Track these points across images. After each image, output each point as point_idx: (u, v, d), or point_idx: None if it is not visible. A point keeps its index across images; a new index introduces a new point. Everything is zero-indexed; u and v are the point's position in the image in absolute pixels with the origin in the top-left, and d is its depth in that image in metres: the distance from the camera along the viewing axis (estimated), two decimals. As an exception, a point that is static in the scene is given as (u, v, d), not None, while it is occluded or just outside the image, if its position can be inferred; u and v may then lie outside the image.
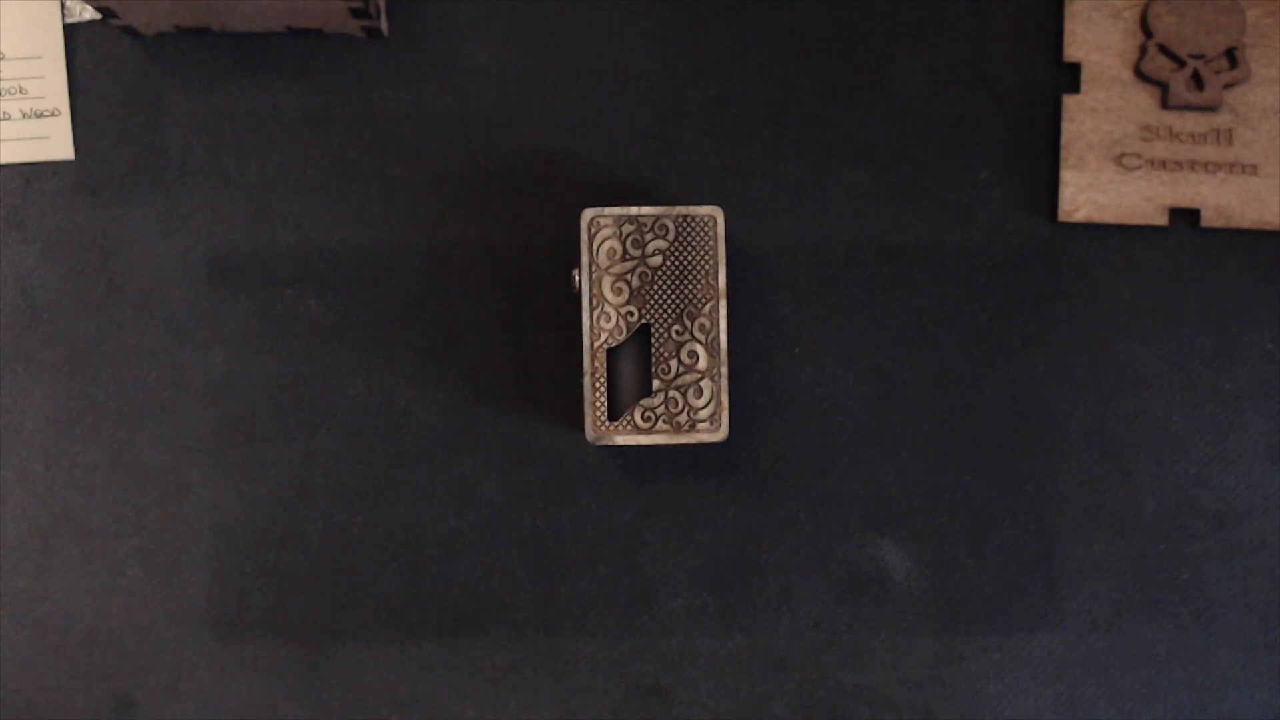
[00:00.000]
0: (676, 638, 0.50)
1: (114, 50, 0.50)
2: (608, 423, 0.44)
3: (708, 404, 0.44)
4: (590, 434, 0.44)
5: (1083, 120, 0.50)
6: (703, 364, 0.44)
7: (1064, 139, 0.50)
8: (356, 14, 0.47)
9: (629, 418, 0.44)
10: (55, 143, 0.50)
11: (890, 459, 0.50)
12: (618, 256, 0.44)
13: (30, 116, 0.50)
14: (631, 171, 0.50)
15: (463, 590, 0.50)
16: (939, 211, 0.50)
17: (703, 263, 0.44)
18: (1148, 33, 0.50)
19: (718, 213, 0.45)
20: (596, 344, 0.44)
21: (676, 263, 0.44)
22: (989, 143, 0.50)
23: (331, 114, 0.50)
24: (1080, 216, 0.50)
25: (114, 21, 0.48)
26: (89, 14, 0.50)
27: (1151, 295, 0.50)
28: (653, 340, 0.44)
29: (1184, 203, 0.49)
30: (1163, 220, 0.50)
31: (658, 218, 0.44)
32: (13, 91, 0.50)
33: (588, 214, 0.44)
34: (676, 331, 0.44)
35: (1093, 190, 0.50)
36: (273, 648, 0.50)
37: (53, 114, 0.50)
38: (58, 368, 0.50)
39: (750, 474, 0.50)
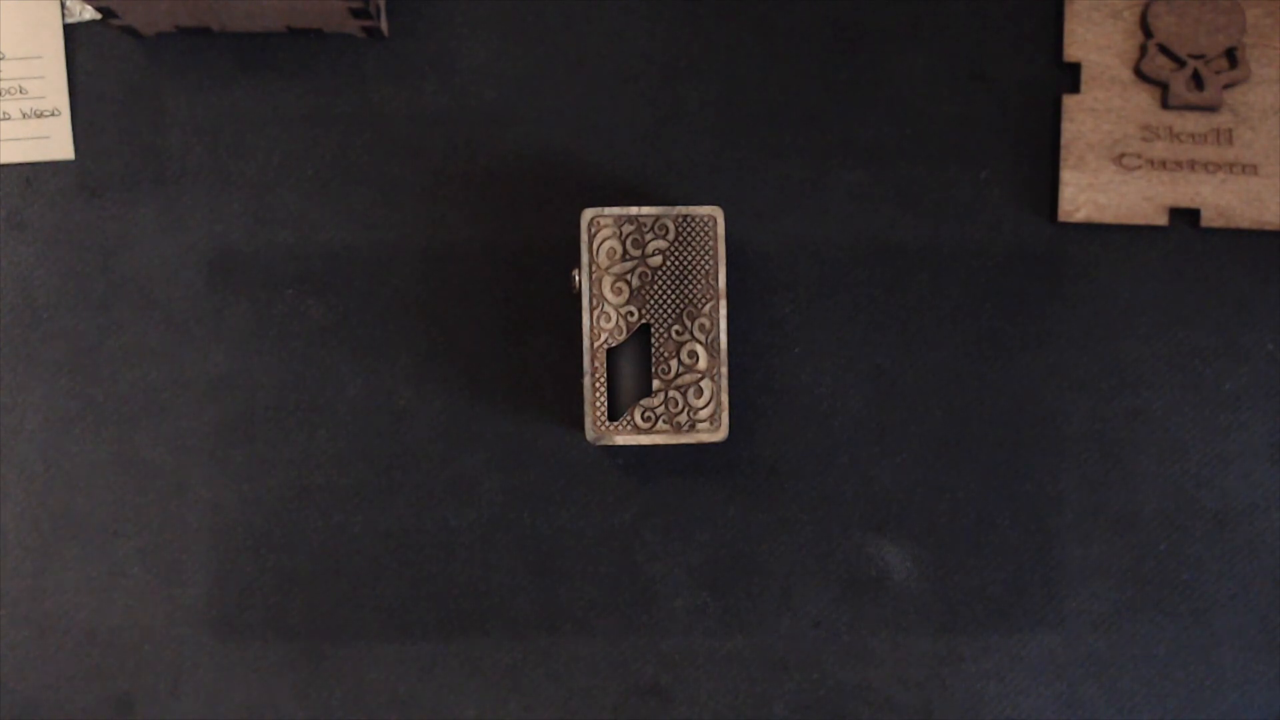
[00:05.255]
0: (676, 638, 0.50)
1: (114, 50, 0.50)
2: (608, 423, 0.44)
3: (708, 404, 0.44)
4: (590, 434, 0.44)
5: (1083, 120, 0.50)
6: (703, 364, 0.44)
7: (1064, 139, 0.50)
8: (356, 14, 0.47)
9: (629, 418, 0.44)
10: (55, 143, 0.50)
11: (890, 459, 0.50)
12: (618, 256, 0.44)
13: (30, 116, 0.50)
14: (631, 171, 0.50)
15: (463, 590, 0.50)
16: (939, 211, 0.50)
17: (703, 263, 0.44)
18: (1148, 33, 0.50)
19: (718, 213, 0.45)
20: (596, 344, 0.44)
21: (676, 263, 0.44)
22: (989, 143, 0.50)
23: (331, 114, 0.50)
24: (1080, 216, 0.50)
25: (114, 21, 0.48)
26: (89, 14, 0.50)
27: (1151, 295, 0.50)
28: (653, 340, 0.44)
29: (1184, 203, 0.49)
30: (1163, 220, 0.50)
31: (658, 218, 0.44)
32: (13, 91, 0.50)
33: (588, 214, 0.44)
34: (676, 331, 0.44)
35: (1093, 190, 0.50)
36: (273, 648, 0.50)
37: (53, 114, 0.50)
38: (58, 367, 0.50)
39: (750, 474, 0.50)
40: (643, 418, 0.44)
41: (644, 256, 0.44)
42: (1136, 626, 0.50)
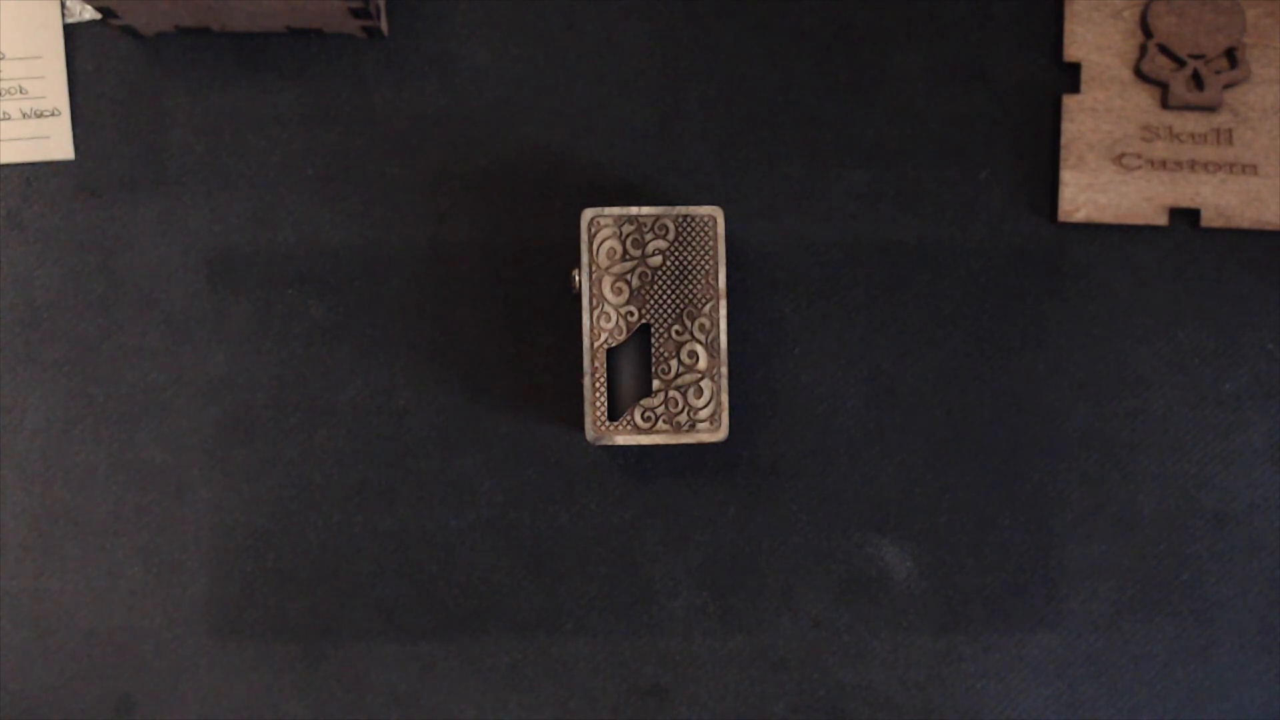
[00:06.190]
0: (676, 638, 0.50)
1: (114, 50, 0.50)
2: (608, 423, 0.44)
3: (708, 404, 0.44)
4: (590, 434, 0.44)
5: (1083, 120, 0.50)
6: (703, 364, 0.44)
7: (1064, 139, 0.50)
8: (356, 14, 0.47)
9: (629, 418, 0.44)
10: (55, 143, 0.50)
11: (890, 459, 0.50)
12: (618, 256, 0.44)
13: (30, 116, 0.50)
14: (631, 171, 0.50)
15: (463, 590, 0.50)
16: (939, 211, 0.50)
17: (703, 263, 0.44)
18: (1148, 33, 0.50)
19: (718, 213, 0.45)
20: (596, 344, 0.44)
21: (676, 263, 0.44)
22: (989, 143, 0.50)
23: (331, 114, 0.50)
24: (1080, 216, 0.50)
25: (114, 21, 0.48)
26: (89, 14, 0.50)
27: (1151, 295, 0.50)
28: (653, 340, 0.44)
29: (1184, 203, 0.49)
30: (1163, 220, 0.50)
31: (658, 218, 0.44)
32: (13, 91, 0.50)
33: (588, 214, 0.44)
34: (676, 331, 0.44)
35: (1093, 190, 0.50)
36: (273, 648, 0.50)
37: (53, 114, 0.50)
38: (58, 368, 0.50)
39: (750, 474, 0.50)
40: (643, 418, 0.44)
41: (644, 256, 0.44)
42: (1136, 626, 0.50)
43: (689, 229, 0.44)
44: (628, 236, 0.44)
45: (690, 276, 0.44)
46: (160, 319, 0.50)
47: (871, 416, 0.50)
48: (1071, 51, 0.50)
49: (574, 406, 0.49)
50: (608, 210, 0.44)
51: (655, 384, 0.44)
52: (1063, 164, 0.50)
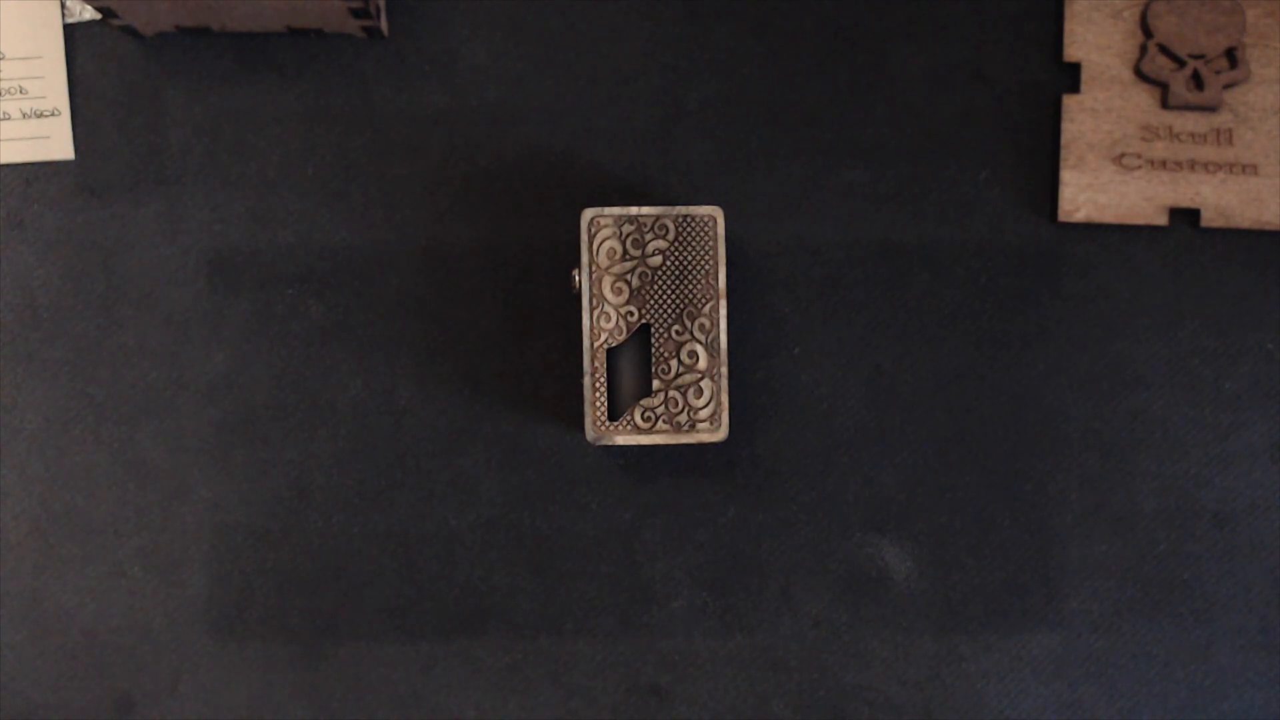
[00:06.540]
0: (676, 638, 0.50)
1: (114, 50, 0.50)
2: (608, 423, 0.44)
3: (708, 404, 0.44)
4: (590, 434, 0.44)
5: (1083, 120, 0.50)
6: (703, 364, 0.44)
7: (1064, 139, 0.50)
8: (356, 14, 0.47)
9: (629, 418, 0.44)
10: (55, 143, 0.50)
11: (890, 459, 0.50)
12: (618, 256, 0.44)
13: (30, 116, 0.50)
14: (631, 171, 0.50)
15: (463, 590, 0.50)
16: (939, 211, 0.50)
17: (703, 263, 0.44)
18: (1148, 33, 0.50)
19: (718, 213, 0.45)
20: (596, 344, 0.44)
21: (676, 263, 0.44)
22: (989, 143, 0.50)
23: (331, 114, 0.50)
24: (1080, 216, 0.50)
25: (114, 21, 0.48)
26: (89, 14, 0.50)
27: (1151, 295, 0.50)
28: (653, 340, 0.44)
29: (1184, 203, 0.49)
30: (1163, 220, 0.50)
31: (658, 218, 0.44)
32: (13, 91, 0.50)
33: (588, 214, 0.44)
34: (676, 331, 0.44)
35: (1093, 190, 0.50)
36: (273, 648, 0.50)
37: (53, 114, 0.50)
38: (58, 368, 0.50)
39: (750, 474, 0.50)
40: (643, 418, 0.44)
41: (644, 256, 0.44)
42: (1136, 626, 0.50)
43: (689, 229, 0.44)
44: (628, 236, 0.44)
45: (690, 276, 0.44)
46: (160, 319, 0.50)
47: (871, 416, 0.50)
48: (1071, 51, 0.50)
49: (574, 406, 0.49)
50: (608, 210, 0.44)
51: (655, 384, 0.44)
52: (1063, 164, 0.50)
